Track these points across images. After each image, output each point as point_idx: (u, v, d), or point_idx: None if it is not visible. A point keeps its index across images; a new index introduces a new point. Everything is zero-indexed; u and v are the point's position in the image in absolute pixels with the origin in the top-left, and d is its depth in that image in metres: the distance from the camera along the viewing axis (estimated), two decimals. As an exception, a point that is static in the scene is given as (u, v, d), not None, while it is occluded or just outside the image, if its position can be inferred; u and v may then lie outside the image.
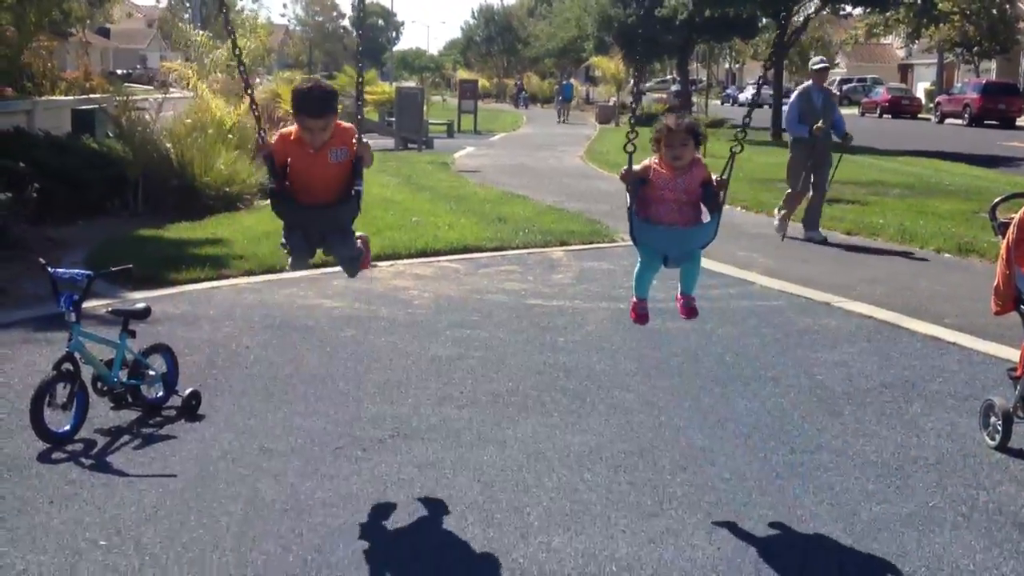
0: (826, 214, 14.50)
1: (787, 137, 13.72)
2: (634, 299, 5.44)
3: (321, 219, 5.01)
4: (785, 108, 14.15)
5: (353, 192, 4.95)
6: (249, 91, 5.39)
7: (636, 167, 4.97)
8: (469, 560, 4.22)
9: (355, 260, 5.32)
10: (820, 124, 12.49)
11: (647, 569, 4.15)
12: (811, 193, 12.87)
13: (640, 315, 5.44)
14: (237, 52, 5.32)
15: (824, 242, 12.51)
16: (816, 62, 13.46)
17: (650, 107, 49.44)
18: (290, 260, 5.18)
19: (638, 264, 5.32)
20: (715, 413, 6.08)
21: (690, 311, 5.39)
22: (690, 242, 5.09)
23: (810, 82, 13.04)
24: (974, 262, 11.14)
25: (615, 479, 5.08)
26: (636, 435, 5.71)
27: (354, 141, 4.94)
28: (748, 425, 5.87)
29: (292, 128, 4.94)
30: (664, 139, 4.91)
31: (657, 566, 4.17)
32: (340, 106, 5.04)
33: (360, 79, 5.43)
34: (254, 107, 5.31)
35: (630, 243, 13.67)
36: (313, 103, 4.81)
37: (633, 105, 5.48)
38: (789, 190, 12.96)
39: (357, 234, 5.31)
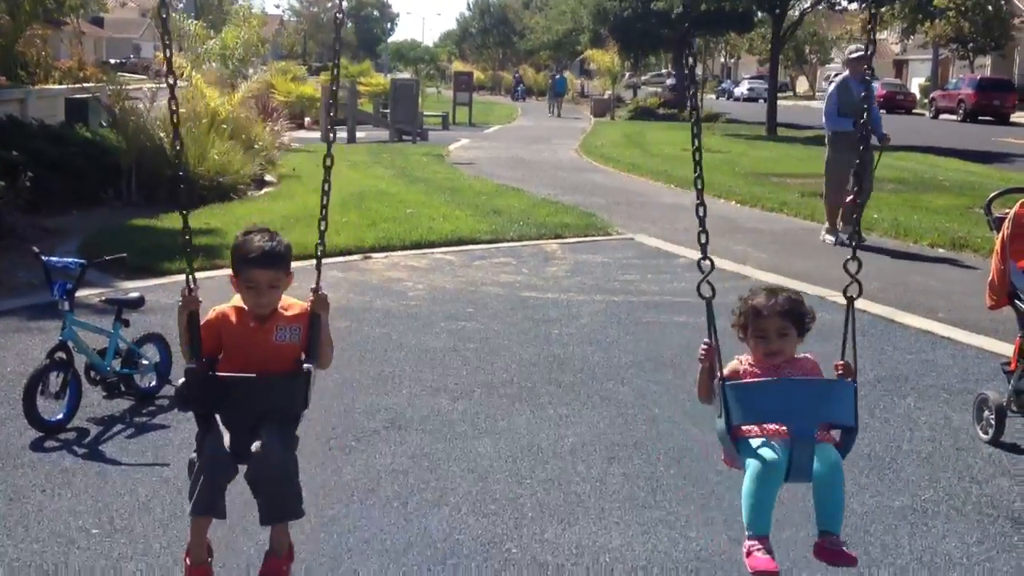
0: (819, 208, 14.51)
1: (824, 133, 12.32)
2: (747, 540, 3.34)
3: (257, 394, 3.55)
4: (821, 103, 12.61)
5: (304, 368, 3.58)
6: (181, 183, 4.23)
7: (723, 370, 3.48)
8: (462, 551, 4.22)
9: (290, 489, 3.56)
10: (887, 135, 11.71)
11: (640, 560, 4.15)
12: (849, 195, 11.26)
13: (761, 566, 3.25)
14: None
15: (843, 244, 11.50)
16: (853, 50, 12.20)
17: (645, 100, 49.53)
18: (200, 479, 3.43)
19: (746, 479, 3.37)
20: (708, 407, 6.07)
21: (845, 556, 3.33)
22: (820, 402, 3.39)
23: (847, 72, 12.04)
24: (968, 257, 11.16)
25: (609, 471, 5.08)
26: (630, 427, 5.71)
27: (308, 308, 3.71)
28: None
29: (227, 306, 3.73)
30: (753, 327, 3.50)
31: (650, 557, 4.18)
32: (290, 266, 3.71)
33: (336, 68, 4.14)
34: (186, 233, 3.74)
35: (625, 235, 13.65)
36: (263, 252, 3.62)
37: (695, 136, 3.80)
38: (824, 193, 12.06)
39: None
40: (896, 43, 69.81)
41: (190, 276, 3.65)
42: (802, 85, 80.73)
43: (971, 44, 55.42)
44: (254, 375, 3.53)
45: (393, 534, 4.37)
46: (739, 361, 3.55)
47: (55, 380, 5.44)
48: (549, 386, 6.41)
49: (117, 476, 4.90)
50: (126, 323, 5.95)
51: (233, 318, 3.67)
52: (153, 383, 6.02)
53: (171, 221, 12.09)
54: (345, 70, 43.48)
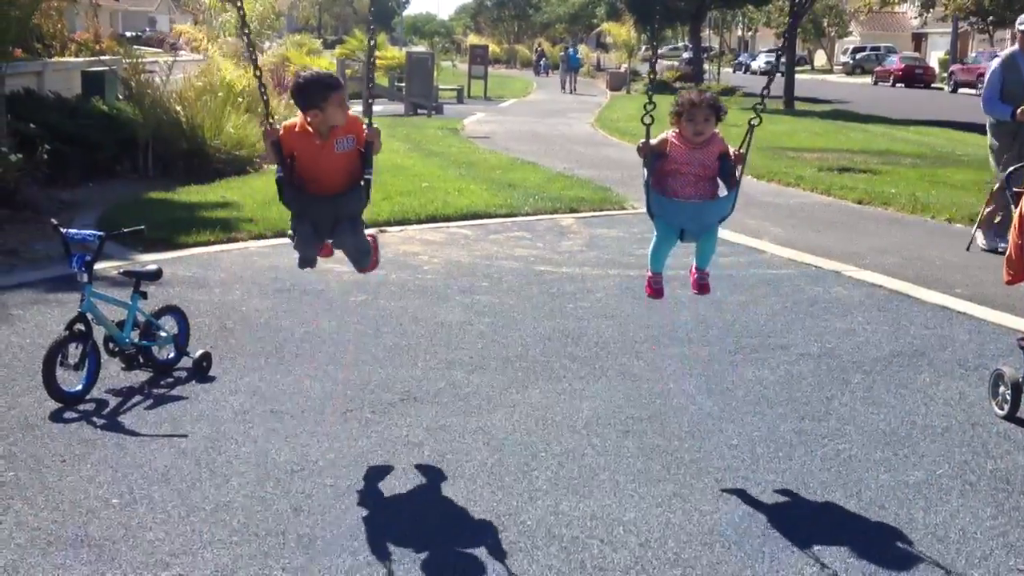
0: (837, 183, 14.47)
1: (986, 119, 10.25)
2: (649, 273, 5.32)
3: (330, 209, 4.84)
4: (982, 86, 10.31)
5: (362, 181, 4.82)
6: (258, 74, 5.13)
7: (653, 140, 4.87)
8: (477, 522, 4.25)
9: (365, 255, 5.14)
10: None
11: (654, 533, 4.17)
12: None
13: (656, 290, 5.33)
14: (246, 32, 5.14)
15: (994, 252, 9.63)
16: (1023, 20, 9.76)
17: (662, 74, 49.25)
18: (297, 252, 5.06)
19: (654, 238, 5.18)
20: (724, 380, 6.09)
21: (702, 287, 5.32)
22: (707, 216, 4.99)
23: (1016, 47, 9.84)
24: (985, 232, 11.08)
25: (623, 444, 5.10)
26: (644, 401, 5.73)
27: (364, 128, 4.82)
28: (756, 393, 5.89)
29: (296, 120, 4.82)
30: (686, 113, 4.82)
31: (664, 530, 4.20)
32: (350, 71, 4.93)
33: (372, 42, 5.29)
34: (262, 89, 5.09)
35: (640, 211, 13.65)
36: (322, 84, 4.72)
37: (651, 76, 5.36)
38: (996, 186, 9.60)
39: (368, 232, 5.19)
40: (915, 16, 69.18)
41: (269, 117, 4.90)
42: (820, 59, 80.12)
43: (991, 17, 54.81)
44: (327, 196, 4.79)
45: (409, 505, 4.40)
46: (669, 135, 4.91)
47: (74, 352, 5.48)
48: (564, 360, 6.42)
49: (136, 447, 4.95)
50: (144, 295, 5.98)
51: (300, 132, 4.75)
52: (171, 355, 6.06)
53: (187, 194, 12.14)
54: (360, 44, 43.36)
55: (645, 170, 4.91)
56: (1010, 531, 4.26)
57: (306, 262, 5.12)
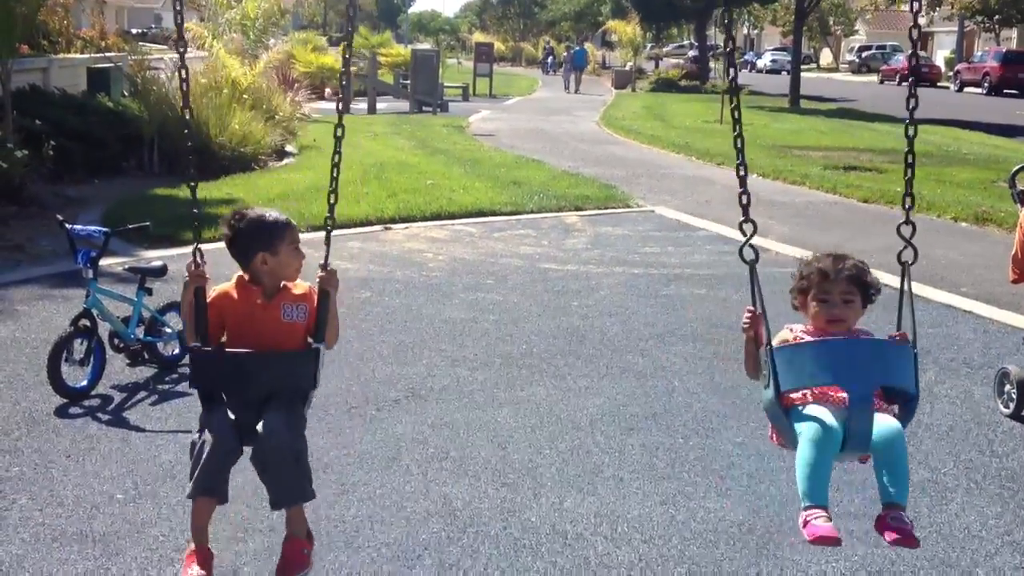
0: (842, 182, 14.45)
1: None
2: (806, 510, 2.98)
3: (263, 371, 3.38)
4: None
5: (312, 346, 3.44)
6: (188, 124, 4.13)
7: (775, 340, 3.18)
8: (482, 519, 4.25)
9: (299, 469, 3.37)
10: None
11: (658, 530, 4.17)
12: None
13: (822, 534, 2.92)
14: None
15: None
16: None
17: (666, 72, 49.19)
18: (202, 459, 3.29)
19: (800, 449, 3.05)
20: (728, 378, 6.08)
21: (907, 536, 2.98)
22: (878, 364, 3.10)
23: None
24: (992, 231, 11.08)
25: (628, 442, 5.10)
26: (649, 399, 5.72)
27: (314, 289, 3.49)
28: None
29: (230, 284, 3.51)
30: (815, 288, 3.26)
31: (668, 527, 4.20)
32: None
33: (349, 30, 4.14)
34: (196, 219, 3.64)
35: (646, 207, 13.62)
36: (269, 225, 3.49)
37: (736, 117, 3.62)
38: None
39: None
40: (922, 15, 69.09)
41: (197, 250, 3.44)
42: (826, 57, 79.99)
43: (997, 16, 54.73)
44: (259, 352, 3.37)
45: (414, 502, 4.40)
46: (789, 330, 3.27)
47: (79, 347, 5.49)
48: (568, 357, 6.42)
49: (140, 442, 4.95)
50: (149, 291, 5.99)
51: (237, 295, 3.47)
52: (176, 351, 6.06)
53: (193, 191, 12.13)
54: (365, 41, 43.37)
55: (769, 387, 3.16)
56: (1016, 530, 4.26)
57: (210, 479, 3.30)
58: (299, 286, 3.53)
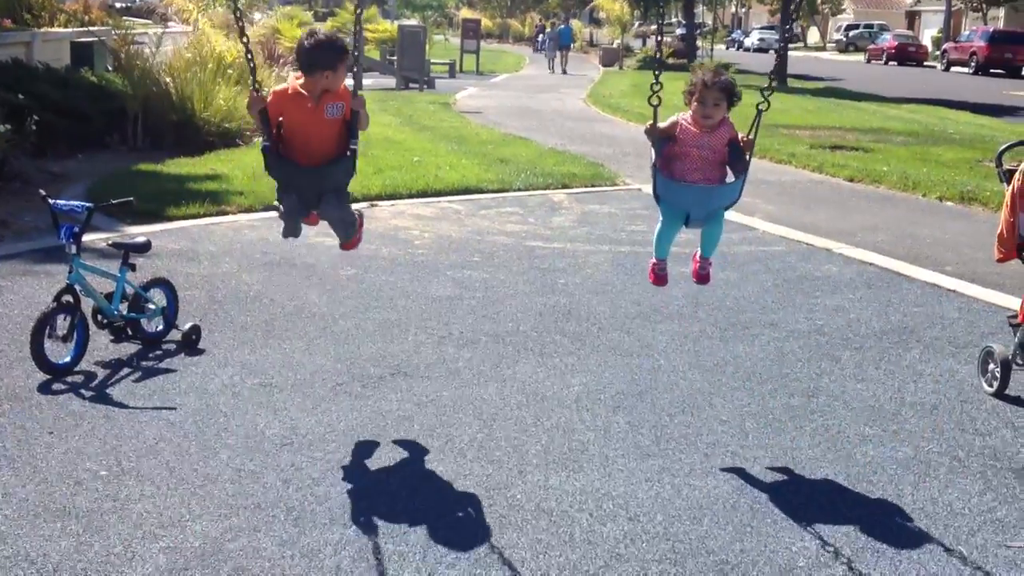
0: (828, 161, 14.46)
1: None
2: (653, 260, 5.17)
3: (317, 179, 4.78)
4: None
5: (348, 151, 4.76)
6: (245, 40, 4.90)
7: (663, 123, 4.76)
8: (467, 496, 4.25)
9: (351, 226, 5.10)
10: None
11: (644, 507, 4.18)
12: None
13: (659, 276, 5.19)
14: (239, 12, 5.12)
15: None
16: None
17: (654, 50, 49.04)
18: (283, 224, 4.97)
19: (659, 223, 5.01)
20: (714, 356, 6.09)
21: (703, 276, 5.18)
22: (713, 201, 4.85)
23: None
24: (977, 210, 11.12)
25: (613, 419, 5.10)
26: (635, 377, 5.73)
27: (350, 97, 4.74)
28: (746, 369, 5.89)
29: (287, 84, 4.76)
30: (697, 95, 4.68)
31: (653, 504, 4.21)
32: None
33: (359, 12, 5.45)
34: (249, 56, 4.93)
35: (632, 187, 13.62)
36: (338, 47, 4.68)
37: (658, 55, 5.13)
38: None
39: (355, 206, 5.16)
40: (909, -6, 69.03)
41: (255, 84, 4.73)
42: (813, 36, 79.91)
43: (985, -5, 54.74)
44: (314, 167, 4.71)
45: (399, 479, 4.40)
46: (679, 117, 4.78)
47: (62, 323, 5.45)
48: (555, 335, 6.42)
49: (124, 419, 4.93)
50: (133, 267, 5.95)
51: (292, 95, 4.67)
52: (160, 327, 6.03)
53: (177, 166, 12.06)
54: (351, 16, 43.07)
55: (653, 152, 4.79)
56: (998, 507, 4.28)
57: (291, 232, 5.03)
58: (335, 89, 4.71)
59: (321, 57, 4.61)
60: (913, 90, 31.40)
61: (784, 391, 5.58)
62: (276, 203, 4.97)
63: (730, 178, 4.88)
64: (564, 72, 39.93)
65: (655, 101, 4.61)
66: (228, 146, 13.96)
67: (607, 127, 19.68)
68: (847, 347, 6.32)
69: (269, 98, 4.69)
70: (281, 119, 4.71)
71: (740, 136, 4.78)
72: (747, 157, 4.77)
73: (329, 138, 4.73)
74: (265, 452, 4.59)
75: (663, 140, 4.77)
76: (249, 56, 4.94)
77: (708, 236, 5.03)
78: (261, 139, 4.78)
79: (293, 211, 4.86)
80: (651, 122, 4.76)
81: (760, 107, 4.61)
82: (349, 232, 5.14)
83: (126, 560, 3.68)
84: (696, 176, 4.76)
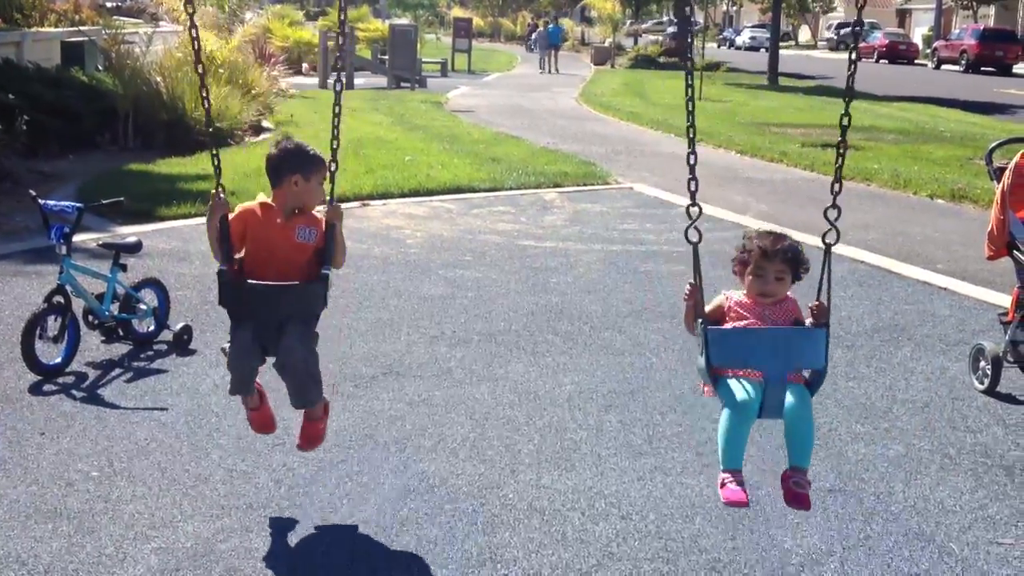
0: (819, 159, 14.48)
1: None
2: (722, 473, 3.45)
3: (278, 302, 3.91)
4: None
5: (320, 275, 3.94)
6: (190, 11, 4.12)
7: (707, 306, 3.67)
8: (459, 495, 4.25)
9: (314, 384, 4.04)
10: None
11: (636, 506, 4.18)
12: None
13: (735, 495, 3.37)
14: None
15: None
16: None
17: (645, 48, 49.08)
18: (231, 369, 4.00)
19: (722, 417, 3.47)
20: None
21: (799, 497, 3.46)
22: (794, 350, 3.52)
23: None
24: (968, 208, 11.14)
25: (605, 418, 5.11)
26: (627, 376, 5.73)
27: (322, 218, 3.99)
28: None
29: (253, 203, 4.00)
30: (753, 266, 3.66)
31: (645, 503, 4.21)
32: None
33: (344, 9, 4.55)
34: (216, 160, 4.08)
35: (624, 184, 13.61)
36: (314, 157, 4.02)
37: (692, 184, 3.79)
38: None
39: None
40: (900, -8, 69.15)
41: (219, 184, 3.97)
42: (804, 34, 80.00)
43: (975, -6, 54.87)
44: (274, 284, 3.89)
45: (391, 479, 4.39)
46: (726, 297, 3.73)
47: (53, 324, 5.44)
48: (547, 334, 6.42)
49: (115, 419, 4.92)
50: (124, 268, 5.94)
51: (260, 213, 3.96)
52: (151, 328, 6.02)
53: (168, 166, 12.03)
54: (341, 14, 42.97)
55: (700, 342, 3.57)
56: (989, 504, 4.29)
57: (241, 384, 4.03)
58: (312, 214, 4.04)
59: (289, 161, 3.95)
60: (904, 88, 31.45)
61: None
62: (224, 346, 4.06)
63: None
64: (553, 71, 38.93)
65: (693, 236, 3.55)
66: (219, 146, 13.85)
67: (599, 126, 19.68)
68: (838, 345, 6.32)
69: (235, 212, 3.94)
70: (246, 234, 3.95)
71: (810, 305, 3.62)
72: (823, 324, 3.60)
73: (296, 263, 3.94)
74: (257, 452, 4.58)
75: (706, 328, 3.57)
76: (216, 160, 4.08)
77: (795, 429, 3.50)
78: (216, 259, 3.96)
79: (245, 350, 3.93)
80: (691, 284, 3.70)
81: (827, 240, 3.48)
82: (313, 393, 4.05)
83: (118, 561, 3.67)
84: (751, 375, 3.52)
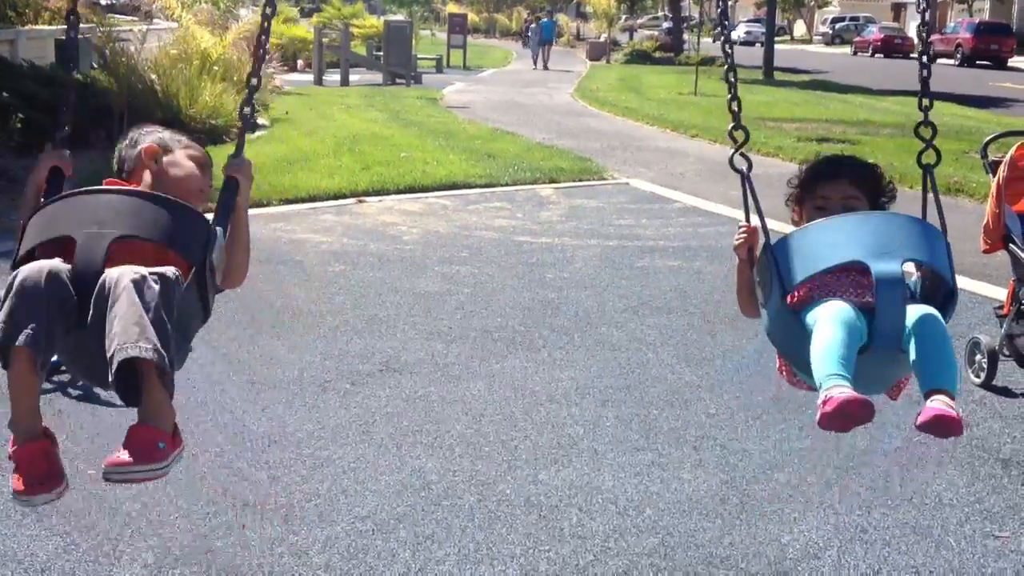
0: (815, 153, 14.46)
1: None
2: (829, 390, 2.36)
3: None
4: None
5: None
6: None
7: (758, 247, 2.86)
8: (456, 492, 4.24)
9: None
10: None
11: (633, 501, 4.18)
12: None
13: (845, 415, 2.35)
14: None
15: None
16: None
17: (641, 44, 49.05)
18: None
19: (819, 329, 2.48)
20: (702, 350, 6.10)
21: (951, 423, 2.31)
22: (907, 241, 2.61)
23: None
24: (963, 202, 11.14)
25: (602, 414, 5.10)
26: (623, 371, 5.73)
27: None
28: (734, 362, 5.90)
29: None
30: (814, 192, 2.95)
31: (643, 498, 4.21)
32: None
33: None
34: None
35: (620, 180, 13.61)
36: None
37: (735, 106, 2.99)
38: None
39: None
40: (895, -14, 69.14)
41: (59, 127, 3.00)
42: (799, 29, 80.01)
43: (970, -13, 54.88)
44: None
45: (388, 476, 4.39)
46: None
47: (48, 322, 5.41)
48: (543, 330, 6.42)
49: (111, 417, 4.90)
50: (119, 266, 5.92)
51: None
52: (147, 326, 5.99)
53: (163, 164, 11.99)
54: (337, 12, 42.99)
55: (761, 292, 2.82)
56: (986, 498, 4.30)
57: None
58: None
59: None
60: (899, 82, 31.43)
61: (772, 384, 5.56)
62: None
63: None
64: (546, 68, 38.25)
65: (741, 164, 2.87)
66: (214, 142, 13.87)
67: (595, 121, 19.66)
68: (835, 339, 6.32)
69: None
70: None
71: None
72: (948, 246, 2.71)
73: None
74: (253, 450, 4.58)
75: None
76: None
77: (927, 347, 2.45)
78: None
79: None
80: (743, 229, 2.99)
81: (924, 162, 2.91)
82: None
83: (114, 559, 3.66)
84: (851, 296, 2.62)
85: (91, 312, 2.46)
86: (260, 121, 16.84)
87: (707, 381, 5.59)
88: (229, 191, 2.84)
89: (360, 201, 10.48)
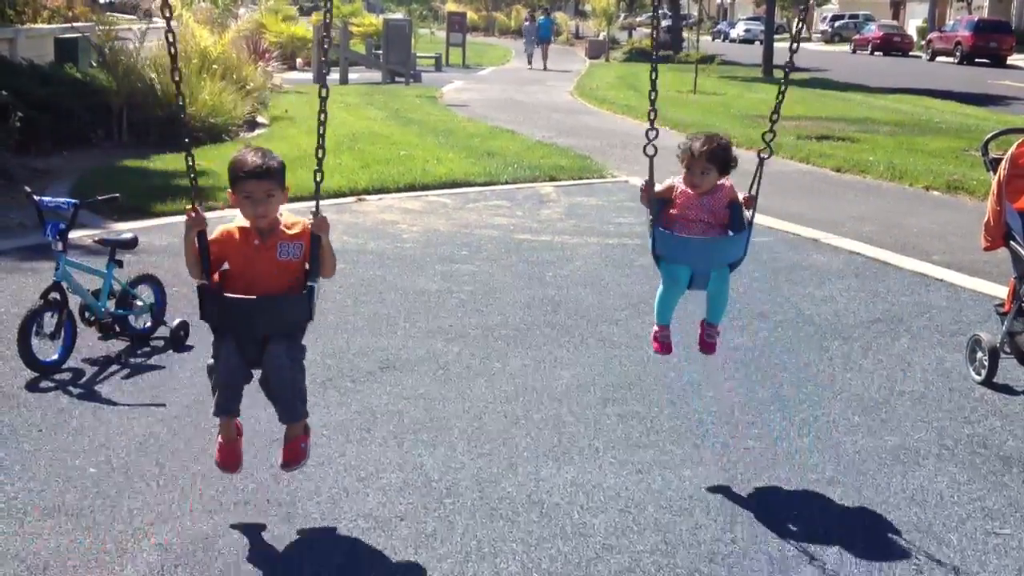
0: (815, 151, 14.49)
1: None
2: (656, 327, 4.70)
3: (262, 314, 3.78)
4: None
5: (305, 289, 3.81)
6: (177, 79, 4.10)
7: (659, 186, 4.50)
8: (458, 489, 4.25)
9: (299, 399, 3.94)
10: None
11: (634, 499, 4.19)
12: None
13: (663, 344, 4.70)
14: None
15: None
16: None
17: (640, 42, 49.02)
18: (217, 385, 3.82)
19: (660, 286, 4.62)
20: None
21: (709, 346, 4.77)
22: (718, 256, 4.51)
23: None
24: (963, 199, 11.16)
25: (603, 411, 5.11)
26: (624, 369, 5.73)
27: (305, 232, 3.84)
28: (735, 359, 5.90)
29: (232, 226, 3.84)
30: (686, 163, 4.48)
31: (644, 496, 4.21)
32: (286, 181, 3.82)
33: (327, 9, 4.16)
34: (192, 174, 3.92)
35: (619, 178, 13.58)
36: (256, 166, 3.73)
37: (652, 95, 4.62)
38: None
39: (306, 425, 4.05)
40: (894, -16, 69.09)
41: (194, 198, 3.80)
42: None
43: (969, -15, 54.83)
44: (256, 297, 3.73)
45: (389, 473, 4.39)
46: (675, 184, 4.56)
47: (50, 321, 5.43)
48: (544, 328, 6.42)
49: (113, 416, 4.91)
50: (120, 264, 5.93)
51: (237, 236, 3.81)
52: (148, 324, 6.01)
53: (163, 162, 12.01)
54: (336, 10, 42.91)
55: (649, 214, 4.51)
56: (987, 495, 4.30)
57: (227, 401, 3.85)
58: (296, 225, 3.87)
59: (230, 174, 3.81)
60: (899, 80, 31.45)
61: (773, 381, 5.59)
62: (210, 363, 3.87)
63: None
64: (544, 68, 36.98)
65: (650, 151, 4.37)
66: (214, 141, 13.91)
67: (594, 119, 19.67)
68: (835, 337, 6.33)
69: (214, 235, 3.81)
70: (227, 257, 3.85)
71: (742, 195, 4.50)
72: (750, 215, 4.45)
73: (280, 280, 3.83)
74: (255, 448, 4.57)
75: (660, 203, 4.50)
76: (192, 168, 3.91)
77: (714, 299, 4.64)
78: (193, 278, 3.82)
79: (231, 364, 3.77)
80: (646, 182, 4.49)
81: (762, 155, 4.35)
82: (297, 409, 3.94)
83: (116, 557, 3.67)
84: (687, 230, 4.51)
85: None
86: (260, 120, 16.85)
87: (708, 379, 5.59)
88: (316, 244, 3.82)
89: (360, 199, 10.48)
